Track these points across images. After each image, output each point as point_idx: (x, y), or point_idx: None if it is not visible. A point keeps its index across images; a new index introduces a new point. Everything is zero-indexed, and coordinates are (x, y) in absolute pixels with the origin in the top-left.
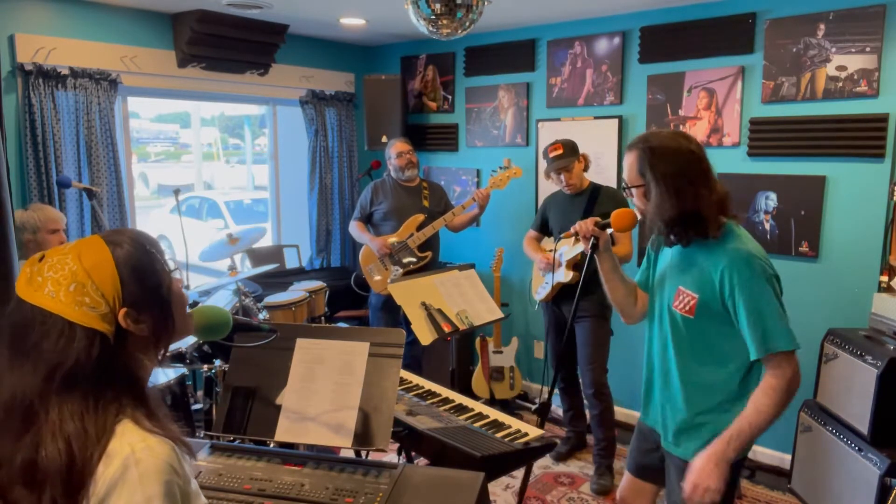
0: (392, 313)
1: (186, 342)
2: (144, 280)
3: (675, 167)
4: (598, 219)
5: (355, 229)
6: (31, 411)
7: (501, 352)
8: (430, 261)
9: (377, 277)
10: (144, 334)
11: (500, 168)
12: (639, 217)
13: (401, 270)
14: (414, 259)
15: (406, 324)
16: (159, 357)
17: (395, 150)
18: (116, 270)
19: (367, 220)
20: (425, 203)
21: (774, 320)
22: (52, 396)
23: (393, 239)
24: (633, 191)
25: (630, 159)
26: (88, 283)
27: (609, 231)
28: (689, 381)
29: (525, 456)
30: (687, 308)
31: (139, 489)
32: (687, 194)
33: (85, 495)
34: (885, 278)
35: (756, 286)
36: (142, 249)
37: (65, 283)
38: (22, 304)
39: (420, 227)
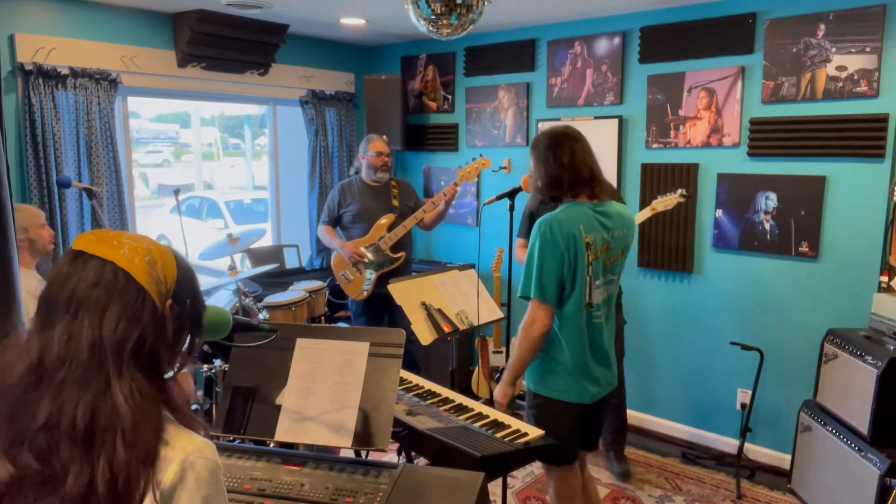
0: (376, 319)
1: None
2: (190, 288)
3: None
4: None
5: (324, 234)
6: (97, 368)
7: (501, 351)
8: (403, 261)
9: (351, 283)
10: (170, 333)
11: (469, 161)
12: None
13: (375, 274)
14: (387, 261)
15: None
16: (171, 370)
17: (375, 148)
18: (176, 264)
19: (336, 222)
20: (395, 202)
21: (527, 272)
22: (124, 359)
23: (364, 243)
24: None
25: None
26: (159, 263)
27: None
28: None
29: (525, 456)
30: None
31: (197, 491)
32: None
33: (149, 485)
34: (885, 278)
35: (534, 240)
36: (190, 269)
37: (141, 252)
38: (82, 257)
39: (391, 228)
